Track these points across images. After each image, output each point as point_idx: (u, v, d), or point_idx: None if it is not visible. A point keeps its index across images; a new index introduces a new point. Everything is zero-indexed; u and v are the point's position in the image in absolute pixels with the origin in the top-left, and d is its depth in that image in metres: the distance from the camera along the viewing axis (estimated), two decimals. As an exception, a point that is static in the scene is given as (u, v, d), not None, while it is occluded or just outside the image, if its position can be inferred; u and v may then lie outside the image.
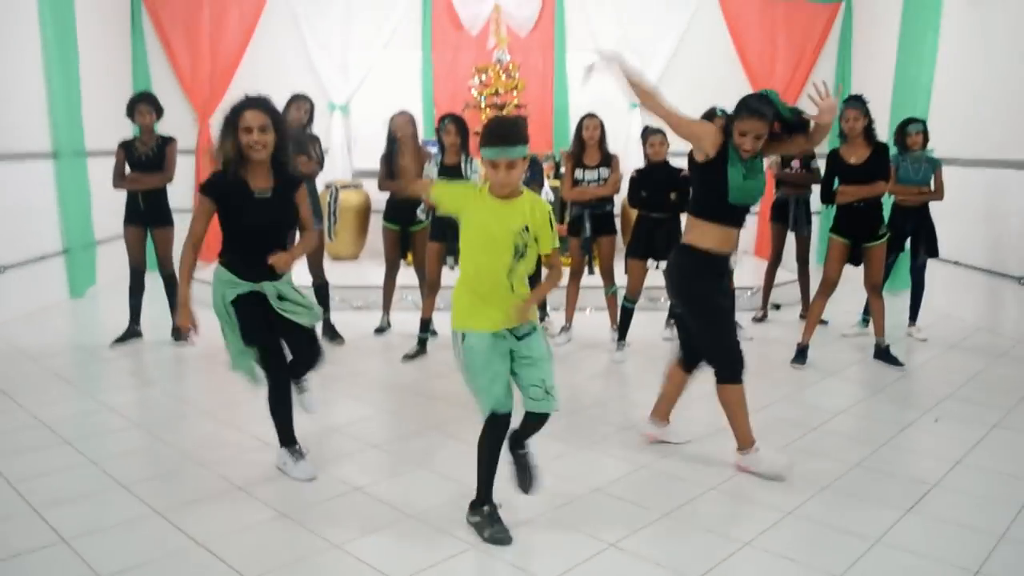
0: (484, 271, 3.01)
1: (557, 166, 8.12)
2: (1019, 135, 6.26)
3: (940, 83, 7.27)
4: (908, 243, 6.18)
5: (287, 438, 3.74)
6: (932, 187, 5.99)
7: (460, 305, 3.08)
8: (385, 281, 6.33)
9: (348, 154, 9.06)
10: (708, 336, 3.83)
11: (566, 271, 5.65)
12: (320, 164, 5.99)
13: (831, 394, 5.10)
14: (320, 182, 6.84)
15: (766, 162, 6.38)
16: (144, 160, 5.80)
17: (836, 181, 5.40)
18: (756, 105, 3.59)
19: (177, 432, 4.33)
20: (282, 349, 3.70)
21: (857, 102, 5.35)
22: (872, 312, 5.62)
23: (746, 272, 7.96)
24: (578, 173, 5.90)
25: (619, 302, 5.92)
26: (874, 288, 5.53)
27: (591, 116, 5.94)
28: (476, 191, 3.07)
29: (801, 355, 5.56)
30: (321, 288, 6.06)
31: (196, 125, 8.98)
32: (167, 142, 5.87)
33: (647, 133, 5.74)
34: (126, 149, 5.83)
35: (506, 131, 2.96)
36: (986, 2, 6.80)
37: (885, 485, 3.69)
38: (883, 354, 5.56)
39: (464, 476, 2.93)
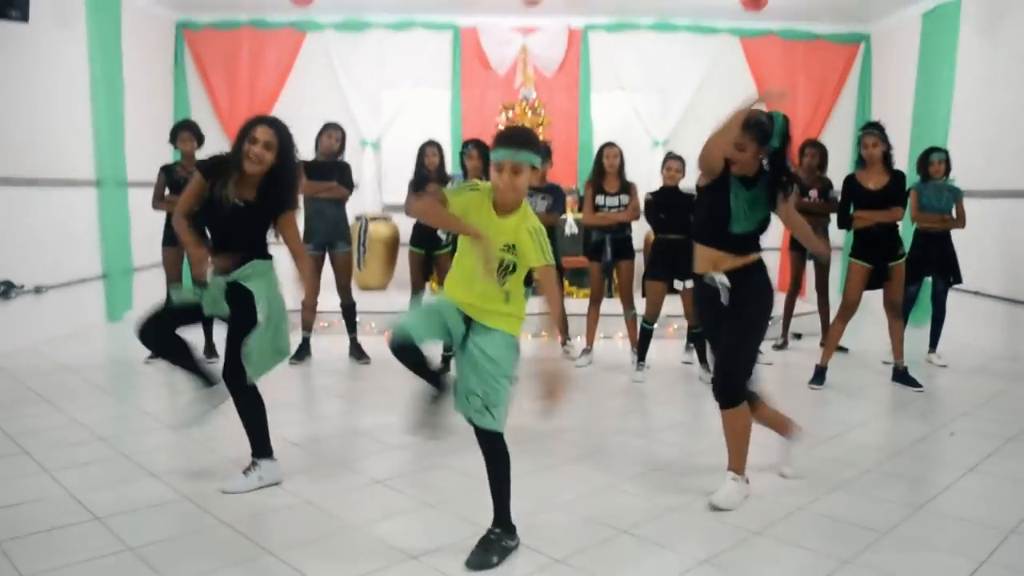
0: (473, 276, 2.92)
1: (581, 200, 8.31)
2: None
3: (958, 115, 7.39)
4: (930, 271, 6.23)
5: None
6: (954, 215, 6.08)
7: (448, 281, 3.06)
8: (411, 304, 6.48)
9: (379, 188, 9.33)
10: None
11: (578, 301, 5.63)
12: (349, 189, 6.20)
13: (848, 410, 5.15)
14: (351, 213, 7.03)
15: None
16: (183, 184, 5.93)
17: (852, 206, 5.52)
18: (757, 120, 3.48)
19: (207, 430, 4.46)
20: (166, 327, 3.61)
21: (875, 129, 5.48)
22: (891, 333, 5.64)
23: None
24: (599, 199, 6.06)
25: (639, 325, 6.04)
26: (893, 307, 5.58)
27: (611, 145, 6.13)
28: (482, 198, 2.95)
29: (819, 376, 5.60)
30: (348, 309, 6.24)
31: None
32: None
33: (668, 158, 5.91)
34: (167, 173, 6.09)
35: (516, 134, 2.95)
36: (1000, 34, 6.97)
37: (897, 487, 3.75)
38: (902, 376, 5.59)
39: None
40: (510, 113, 8.68)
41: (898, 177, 5.48)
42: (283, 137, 3.55)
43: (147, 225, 6.30)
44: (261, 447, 3.67)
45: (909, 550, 3.06)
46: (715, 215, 3.55)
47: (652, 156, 9.04)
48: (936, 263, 6.16)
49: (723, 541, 3.11)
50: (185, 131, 6.10)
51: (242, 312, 3.52)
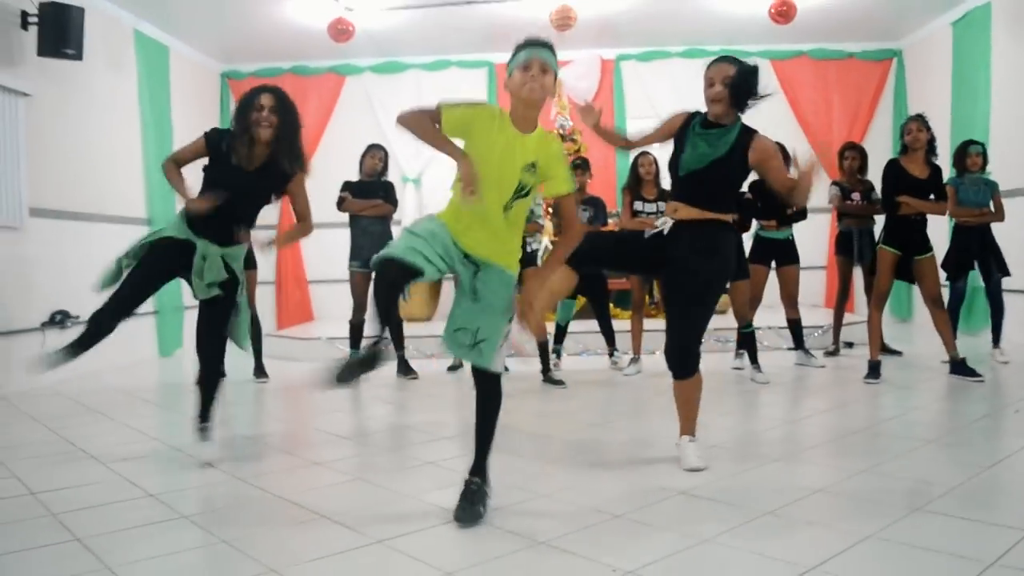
0: (483, 204, 2.77)
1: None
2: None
3: (996, 117, 7.33)
4: (978, 266, 6.11)
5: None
6: (992, 208, 6.00)
7: (448, 209, 2.89)
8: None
9: (420, 223, 9.45)
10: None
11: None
12: (394, 206, 6.30)
13: (905, 398, 5.04)
14: None
15: (829, 193, 6.52)
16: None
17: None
18: (724, 56, 3.50)
19: (257, 426, 4.53)
20: (121, 310, 3.74)
21: (919, 118, 5.47)
22: (937, 328, 5.48)
23: (817, 312, 7.99)
24: (637, 205, 6.08)
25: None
26: (933, 301, 5.44)
27: (645, 153, 6.16)
28: (496, 113, 2.83)
29: (874, 371, 5.46)
30: (396, 326, 6.28)
31: (278, 201, 9.49)
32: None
33: None
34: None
35: (539, 38, 2.85)
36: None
37: (960, 453, 3.64)
38: (959, 367, 5.41)
39: (515, 449, 2.99)
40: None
41: (938, 171, 5.45)
42: (283, 99, 3.71)
43: None
44: (210, 413, 3.89)
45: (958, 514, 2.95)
46: (672, 162, 3.54)
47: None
48: (979, 256, 6.04)
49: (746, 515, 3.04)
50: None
51: (229, 292, 3.76)
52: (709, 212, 3.44)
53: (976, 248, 6.03)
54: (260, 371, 6.21)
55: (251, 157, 3.70)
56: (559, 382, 5.69)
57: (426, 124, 2.81)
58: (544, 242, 8.20)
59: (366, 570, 2.50)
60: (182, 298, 8.09)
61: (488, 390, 2.97)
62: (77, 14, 6.18)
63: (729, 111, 3.44)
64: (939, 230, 5.91)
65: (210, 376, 3.88)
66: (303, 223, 4.02)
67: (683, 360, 3.50)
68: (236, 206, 3.72)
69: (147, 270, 3.74)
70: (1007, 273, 6.03)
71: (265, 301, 8.84)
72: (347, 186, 6.27)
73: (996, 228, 6.04)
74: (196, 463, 3.75)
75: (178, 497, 3.24)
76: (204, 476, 3.57)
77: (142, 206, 7.75)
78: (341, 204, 6.20)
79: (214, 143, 3.74)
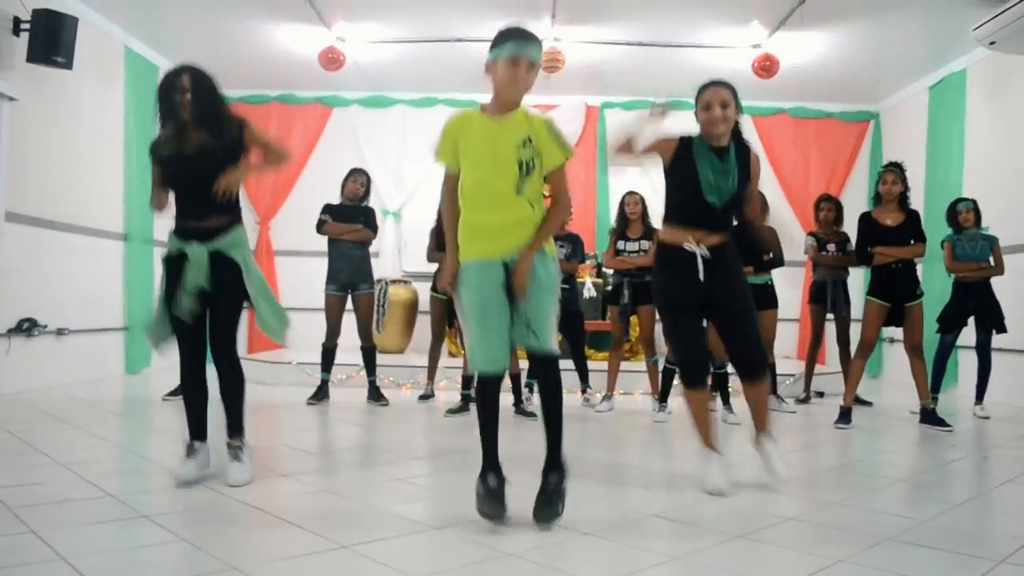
0: (490, 194, 2.83)
1: (599, 267, 8.45)
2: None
3: (969, 179, 7.52)
4: (974, 321, 6.10)
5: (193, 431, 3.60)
6: (992, 262, 6.04)
7: (462, 239, 2.92)
8: (431, 351, 6.47)
9: (399, 256, 9.48)
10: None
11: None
12: (374, 231, 6.29)
13: (875, 442, 5.08)
14: None
15: (804, 243, 6.62)
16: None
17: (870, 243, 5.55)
18: (715, 79, 3.58)
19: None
20: (200, 353, 3.54)
21: (895, 167, 5.58)
22: (914, 374, 5.52)
23: (789, 363, 8.04)
24: (620, 244, 6.12)
25: (660, 370, 5.99)
26: (914, 349, 5.50)
27: (632, 193, 6.23)
28: (467, 115, 2.89)
29: (845, 416, 5.49)
30: (368, 352, 6.24)
31: (258, 227, 9.50)
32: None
33: None
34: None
35: (524, 30, 2.86)
36: (1006, 98, 7.20)
37: (924, 493, 3.65)
38: (930, 417, 5.45)
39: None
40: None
41: (914, 216, 5.53)
42: (198, 74, 3.49)
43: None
44: (241, 425, 3.61)
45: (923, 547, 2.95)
46: (684, 187, 3.50)
47: (669, 228, 9.16)
48: (976, 312, 6.08)
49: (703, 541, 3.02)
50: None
51: (230, 285, 3.48)
52: (727, 235, 3.58)
53: (974, 303, 6.06)
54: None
55: (193, 136, 3.49)
56: (530, 414, 5.65)
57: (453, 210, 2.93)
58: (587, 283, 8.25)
59: (330, 571, 2.43)
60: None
61: (548, 374, 2.91)
62: (70, 23, 6.20)
63: (728, 132, 3.51)
64: (941, 285, 5.98)
65: (229, 380, 3.59)
66: (273, 154, 3.71)
67: (764, 362, 3.65)
68: (195, 193, 3.46)
69: (170, 284, 3.51)
70: (1002, 330, 6.07)
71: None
72: (327, 209, 6.25)
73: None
74: (159, 468, 3.67)
75: (139, 498, 3.16)
76: (166, 481, 3.48)
77: (120, 221, 7.70)
78: (321, 227, 6.18)
79: (156, 149, 3.57)
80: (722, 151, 3.52)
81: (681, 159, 3.53)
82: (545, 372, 2.93)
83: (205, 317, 3.51)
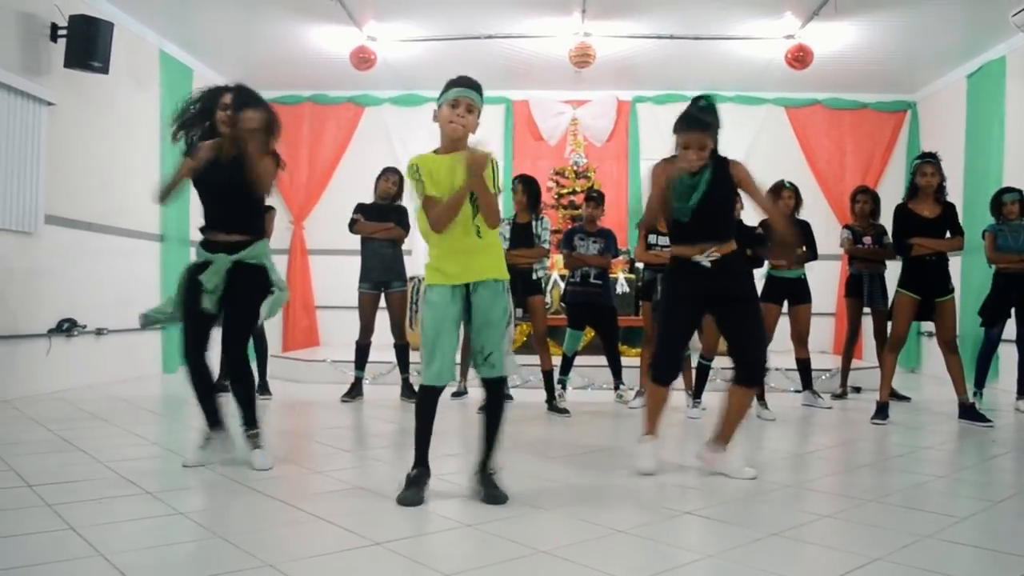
0: (453, 229, 3.09)
1: (631, 262, 8.38)
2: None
3: (1010, 167, 7.36)
4: (1015, 314, 6.02)
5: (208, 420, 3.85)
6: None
7: (429, 265, 3.21)
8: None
9: (431, 254, 9.49)
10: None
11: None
12: (406, 230, 6.30)
13: (913, 438, 4.97)
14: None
15: (840, 236, 6.53)
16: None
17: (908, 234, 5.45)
18: (697, 115, 3.66)
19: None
20: (200, 338, 3.80)
21: (933, 159, 5.47)
22: (949, 370, 5.43)
23: (825, 358, 7.95)
24: (651, 238, 6.06)
25: (693, 365, 5.94)
26: (947, 345, 5.41)
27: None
28: (425, 156, 3.16)
29: (881, 411, 5.41)
30: (401, 349, 6.27)
31: (291, 227, 9.58)
32: (266, 210, 6.29)
33: None
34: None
35: (467, 77, 3.18)
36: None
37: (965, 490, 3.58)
38: (968, 412, 5.36)
39: (517, 465, 3.00)
40: (560, 179, 8.85)
41: (951, 208, 5.43)
42: (244, 93, 3.74)
43: None
44: (254, 417, 3.87)
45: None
46: (670, 217, 3.76)
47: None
48: (1017, 304, 5.98)
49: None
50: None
51: (247, 287, 3.71)
52: (728, 245, 3.73)
53: (1015, 295, 5.96)
54: (264, 388, 6.18)
55: (226, 149, 3.75)
56: (563, 411, 5.64)
57: (441, 205, 3.09)
58: (553, 276, 8.22)
59: (363, 569, 2.44)
60: (190, 316, 8.09)
61: (494, 391, 3.26)
62: (106, 28, 6.29)
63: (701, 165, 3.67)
64: (981, 276, 5.91)
65: (236, 379, 3.88)
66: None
67: (759, 371, 3.80)
68: (224, 206, 3.76)
69: (190, 292, 3.78)
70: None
71: (273, 324, 8.82)
72: (360, 208, 6.28)
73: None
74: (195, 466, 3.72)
75: (175, 496, 3.21)
76: (202, 478, 3.54)
77: (156, 222, 7.81)
78: (353, 226, 6.21)
79: (191, 152, 3.83)
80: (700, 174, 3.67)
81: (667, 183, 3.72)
82: (493, 391, 3.26)
83: (212, 316, 3.75)
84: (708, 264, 3.67)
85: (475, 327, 3.16)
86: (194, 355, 3.79)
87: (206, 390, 3.85)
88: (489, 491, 3.18)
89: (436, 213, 3.09)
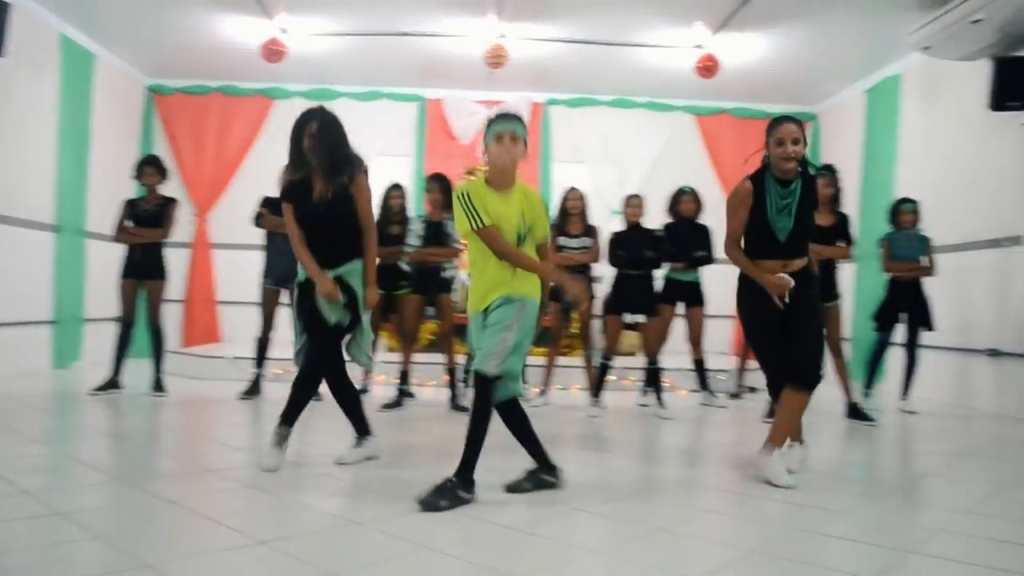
0: (494, 262, 3.25)
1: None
2: (974, 220, 6.63)
3: (901, 179, 7.72)
4: (906, 319, 6.28)
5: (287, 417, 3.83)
6: (925, 262, 6.19)
7: (473, 292, 3.36)
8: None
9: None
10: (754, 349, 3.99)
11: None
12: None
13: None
14: None
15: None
16: (145, 216, 6.02)
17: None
18: (784, 116, 3.84)
19: (150, 436, 4.36)
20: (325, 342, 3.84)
21: (829, 171, 5.68)
22: (836, 371, 5.69)
23: (724, 359, 8.16)
24: (561, 240, 6.13)
25: (594, 363, 6.04)
26: (833, 348, 5.64)
27: (573, 189, 6.25)
28: (479, 185, 3.28)
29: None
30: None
31: (194, 221, 9.34)
32: (169, 202, 6.13)
33: (629, 197, 6.10)
34: (130, 206, 6.08)
35: (510, 112, 3.36)
36: (939, 102, 7.40)
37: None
38: (854, 411, 5.61)
39: (417, 464, 2.95)
40: (472, 178, 8.84)
41: (844, 218, 5.66)
42: (326, 119, 3.80)
43: (102, 276, 6.21)
44: (364, 426, 3.95)
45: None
46: (762, 232, 3.74)
47: (609, 225, 9.21)
48: (907, 310, 6.25)
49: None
50: (149, 166, 6.13)
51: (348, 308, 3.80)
52: (803, 259, 3.79)
53: (906, 301, 6.23)
54: (159, 385, 6.00)
55: (318, 186, 3.80)
56: (465, 409, 5.64)
57: (510, 251, 3.24)
58: (461, 275, 8.22)
59: (243, 568, 2.40)
60: (83, 310, 7.81)
61: (478, 392, 3.24)
62: (1, 10, 6.01)
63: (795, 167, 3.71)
64: (875, 282, 6.21)
65: (340, 392, 3.93)
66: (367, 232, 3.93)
67: (814, 376, 3.70)
68: (320, 239, 3.79)
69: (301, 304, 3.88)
70: (931, 328, 6.23)
71: (171, 319, 8.58)
72: (266, 202, 6.16)
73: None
74: (80, 464, 3.60)
75: (55, 496, 3.10)
76: (85, 477, 3.42)
77: (50, 212, 7.49)
78: (258, 220, 6.10)
79: (293, 192, 3.87)
80: (792, 186, 3.73)
81: (755, 202, 3.75)
82: (478, 393, 3.26)
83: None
84: (792, 281, 3.71)
85: (480, 333, 3.32)
86: (340, 378, 3.92)
87: (354, 401, 3.97)
88: (430, 495, 3.13)
89: (504, 251, 3.23)
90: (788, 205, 3.70)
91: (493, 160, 3.30)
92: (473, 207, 3.21)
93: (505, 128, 3.26)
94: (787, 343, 3.74)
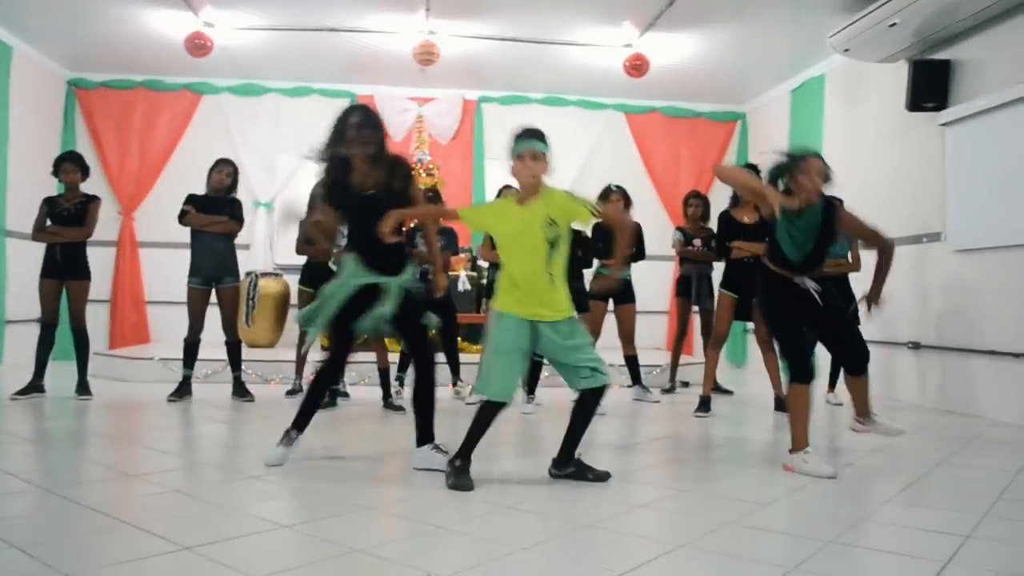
0: (526, 273, 3.39)
1: (473, 260, 8.44)
2: (895, 217, 6.84)
3: (827, 177, 7.93)
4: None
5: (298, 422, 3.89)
6: (850, 259, 6.34)
7: (502, 292, 3.46)
8: (299, 345, 6.34)
9: (270, 248, 9.26)
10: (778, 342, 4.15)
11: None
12: (240, 224, 6.11)
13: (735, 429, 5.28)
14: (240, 270, 6.73)
15: (672, 238, 6.83)
16: (66, 215, 5.86)
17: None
18: (810, 148, 4.06)
19: (74, 441, 4.24)
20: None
21: (753, 171, 5.80)
22: (767, 366, 5.84)
23: (658, 354, 8.28)
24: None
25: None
26: (765, 343, 5.81)
27: (508, 187, 6.25)
28: (502, 205, 3.51)
29: (704, 405, 5.73)
30: (233, 346, 6.08)
31: (119, 219, 9.09)
32: (90, 200, 5.97)
33: (609, 190, 6.16)
34: (49, 204, 5.90)
35: (532, 129, 3.55)
36: (860, 102, 7.63)
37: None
38: (783, 404, 5.70)
39: (343, 465, 2.93)
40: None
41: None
42: (367, 114, 3.85)
43: (23, 278, 5.97)
44: (431, 431, 3.84)
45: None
46: (775, 248, 4.02)
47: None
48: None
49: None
50: (68, 162, 5.97)
51: (416, 314, 3.88)
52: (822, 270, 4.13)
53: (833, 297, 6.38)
54: (83, 388, 5.85)
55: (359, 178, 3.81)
56: (399, 408, 5.63)
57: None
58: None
59: (167, 574, 2.36)
60: (3, 312, 7.55)
61: (596, 394, 3.48)
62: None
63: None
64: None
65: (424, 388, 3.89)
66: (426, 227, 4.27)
67: (864, 359, 4.18)
68: (370, 231, 3.69)
69: (340, 326, 3.86)
70: (856, 323, 6.38)
71: (98, 320, 8.36)
72: (191, 200, 6.03)
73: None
74: (-4, 473, 3.48)
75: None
76: (5, 485, 3.31)
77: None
78: (183, 218, 5.97)
79: (333, 193, 3.87)
80: (810, 213, 3.88)
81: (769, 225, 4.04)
82: (597, 397, 3.53)
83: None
84: (812, 287, 4.00)
85: (555, 358, 3.46)
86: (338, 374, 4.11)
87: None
88: (593, 471, 3.53)
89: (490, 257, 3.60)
90: (811, 227, 3.90)
91: (515, 176, 3.50)
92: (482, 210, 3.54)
93: (527, 147, 3.45)
94: (833, 340, 4.18)
